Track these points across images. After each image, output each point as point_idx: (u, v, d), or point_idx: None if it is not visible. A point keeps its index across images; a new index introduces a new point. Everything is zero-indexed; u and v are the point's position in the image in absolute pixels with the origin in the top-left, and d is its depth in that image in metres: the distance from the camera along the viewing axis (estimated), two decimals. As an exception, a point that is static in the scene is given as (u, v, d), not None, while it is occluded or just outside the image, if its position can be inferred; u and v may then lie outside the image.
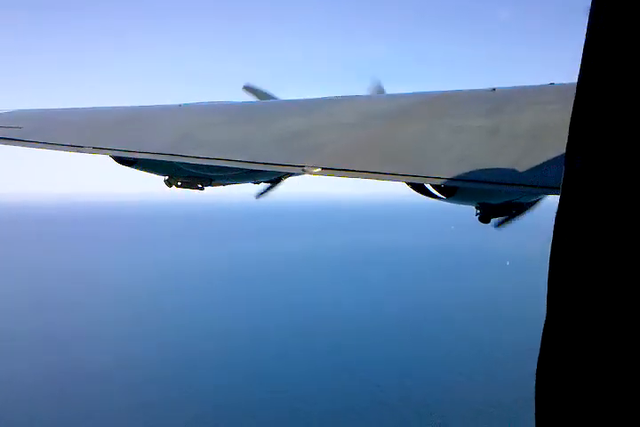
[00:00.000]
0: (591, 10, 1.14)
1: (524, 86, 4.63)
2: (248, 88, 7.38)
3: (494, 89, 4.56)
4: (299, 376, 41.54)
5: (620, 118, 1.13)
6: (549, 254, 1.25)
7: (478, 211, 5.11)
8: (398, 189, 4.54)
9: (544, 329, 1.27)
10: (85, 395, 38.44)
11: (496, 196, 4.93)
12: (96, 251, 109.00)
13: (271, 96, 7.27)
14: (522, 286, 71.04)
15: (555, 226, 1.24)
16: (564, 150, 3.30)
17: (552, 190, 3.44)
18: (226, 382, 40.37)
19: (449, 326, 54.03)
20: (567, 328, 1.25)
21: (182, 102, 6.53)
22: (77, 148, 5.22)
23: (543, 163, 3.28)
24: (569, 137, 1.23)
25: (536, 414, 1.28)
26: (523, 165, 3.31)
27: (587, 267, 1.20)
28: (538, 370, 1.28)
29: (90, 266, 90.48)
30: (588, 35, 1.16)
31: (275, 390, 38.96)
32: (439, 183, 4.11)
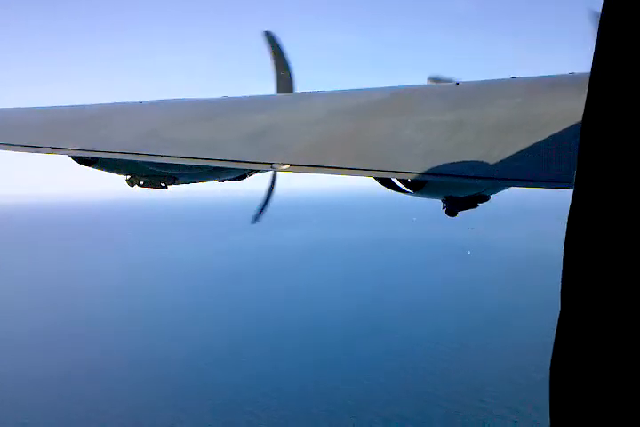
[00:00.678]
0: (604, 2, 1.12)
1: (487, 80, 4.68)
2: (269, 36, 7.12)
3: (457, 83, 4.60)
4: (270, 374, 41.62)
5: (636, 113, 1.12)
6: (563, 251, 1.23)
7: (445, 204, 5.16)
8: (360, 182, 4.55)
9: (558, 328, 1.25)
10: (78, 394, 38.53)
11: (462, 189, 4.98)
12: (70, 252, 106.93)
13: (283, 55, 7.10)
14: (486, 275, 72.46)
15: (568, 221, 1.22)
16: (529, 143, 3.36)
17: (518, 182, 3.49)
18: (211, 380, 40.30)
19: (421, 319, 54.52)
20: (582, 327, 1.23)
21: (144, 100, 6.38)
22: (35, 148, 5.05)
23: (509, 156, 3.32)
24: (582, 130, 1.21)
25: (550, 413, 1.27)
26: (489, 159, 3.35)
27: (602, 262, 1.19)
28: (552, 369, 1.26)
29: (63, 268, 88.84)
30: (600, 30, 1.14)
31: (251, 386, 39.08)
32: (407, 178, 4.13)
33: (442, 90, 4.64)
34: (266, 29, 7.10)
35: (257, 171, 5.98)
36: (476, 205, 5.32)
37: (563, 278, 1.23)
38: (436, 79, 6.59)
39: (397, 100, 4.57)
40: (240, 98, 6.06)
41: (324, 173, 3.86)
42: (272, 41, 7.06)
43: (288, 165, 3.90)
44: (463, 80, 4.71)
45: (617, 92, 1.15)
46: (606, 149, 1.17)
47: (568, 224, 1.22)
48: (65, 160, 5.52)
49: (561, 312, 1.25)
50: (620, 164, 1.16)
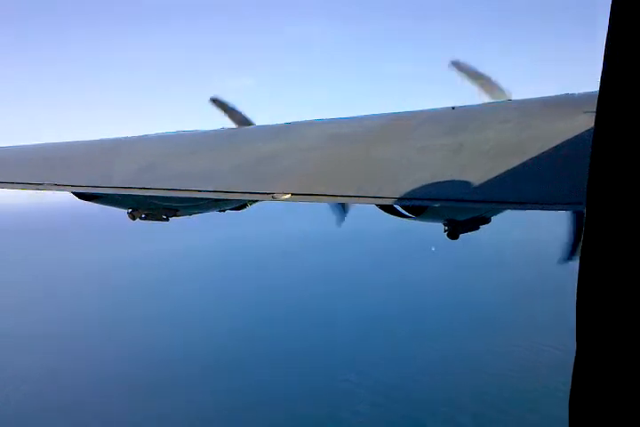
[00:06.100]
0: (612, 11, 1.11)
1: (483, 103, 4.76)
2: (216, 101, 7.07)
3: (453, 108, 4.67)
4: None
5: None
6: (578, 267, 1.21)
7: (446, 227, 5.18)
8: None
9: (576, 356, 1.24)
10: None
11: (463, 212, 5.01)
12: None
13: (237, 111, 7.00)
14: (455, 272, 69.62)
15: (583, 239, 1.21)
16: (527, 165, 3.40)
17: (518, 205, 3.52)
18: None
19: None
20: (601, 353, 1.21)
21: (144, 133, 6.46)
22: (36, 185, 5.11)
23: (508, 178, 3.36)
24: (593, 146, 1.19)
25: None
26: (488, 182, 3.38)
27: (619, 274, 1.17)
28: (572, 388, 1.23)
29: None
30: (608, 41, 1.13)
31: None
32: (409, 204, 4.15)
33: (438, 114, 4.71)
34: (211, 97, 7.14)
35: (257, 200, 6.03)
36: (477, 228, 5.34)
37: (577, 310, 1.21)
38: (457, 63, 6.45)
39: (395, 126, 4.63)
40: (239, 128, 6.14)
41: (326, 201, 3.90)
42: (221, 104, 7.11)
43: (289, 195, 3.93)
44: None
45: (628, 106, 1.14)
46: (619, 162, 1.16)
47: (582, 251, 1.20)
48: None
49: (577, 348, 1.22)
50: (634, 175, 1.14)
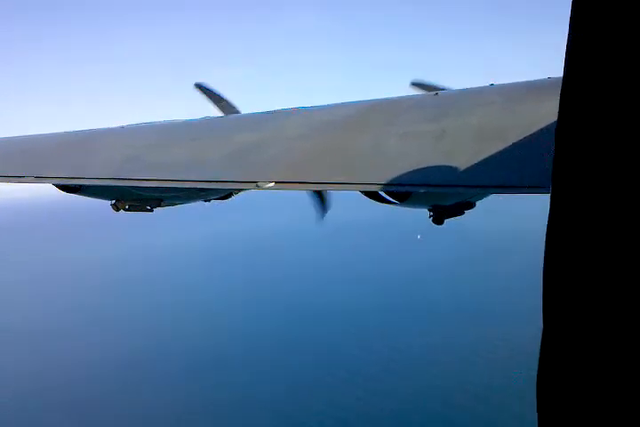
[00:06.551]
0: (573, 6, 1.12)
1: (465, 89, 4.76)
2: (200, 87, 7.18)
3: (437, 93, 4.66)
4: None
5: (609, 115, 1.12)
6: (544, 255, 1.22)
7: (431, 213, 5.20)
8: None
9: (543, 335, 1.25)
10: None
11: (448, 197, 5.02)
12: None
13: (222, 98, 7.09)
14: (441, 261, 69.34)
15: (548, 227, 1.22)
16: (510, 150, 3.40)
17: (503, 189, 3.53)
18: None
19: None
20: (567, 333, 1.22)
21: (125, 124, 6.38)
22: (18, 178, 5.04)
23: (492, 163, 3.37)
24: (557, 132, 1.20)
25: (539, 419, 1.26)
26: (472, 167, 3.38)
27: (585, 267, 1.18)
28: (538, 377, 1.25)
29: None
30: (571, 30, 1.13)
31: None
32: (393, 190, 4.15)
33: (421, 100, 4.70)
34: (196, 82, 7.19)
35: (242, 189, 6.00)
36: (462, 213, 5.36)
37: (544, 287, 1.22)
38: (419, 84, 6.58)
39: (377, 112, 4.61)
40: (222, 117, 6.08)
41: (310, 188, 3.90)
42: (206, 90, 7.15)
43: (273, 183, 3.91)
44: (446, 84, 4.73)
45: (589, 94, 1.15)
46: (581, 152, 1.17)
47: (547, 237, 1.21)
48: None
49: (544, 323, 1.25)
50: (596, 166, 1.15)
